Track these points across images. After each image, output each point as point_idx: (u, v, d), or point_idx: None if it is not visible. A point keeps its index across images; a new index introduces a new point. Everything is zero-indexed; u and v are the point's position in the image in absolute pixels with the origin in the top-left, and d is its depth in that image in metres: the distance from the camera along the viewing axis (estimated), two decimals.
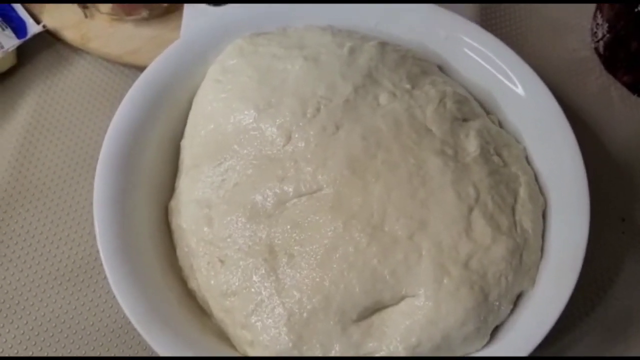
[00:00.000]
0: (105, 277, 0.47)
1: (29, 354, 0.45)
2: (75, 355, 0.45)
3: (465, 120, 0.45)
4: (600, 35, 0.60)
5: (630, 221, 0.52)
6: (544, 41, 0.61)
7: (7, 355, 0.45)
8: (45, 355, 0.45)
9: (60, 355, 0.45)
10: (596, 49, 0.60)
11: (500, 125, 0.48)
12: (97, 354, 0.45)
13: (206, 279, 0.41)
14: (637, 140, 0.56)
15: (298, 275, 0.39)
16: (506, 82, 0.47)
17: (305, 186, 0.41)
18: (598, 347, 0.47)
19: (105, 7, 0.55)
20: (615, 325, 0.48)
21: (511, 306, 0.40)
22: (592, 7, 0.61)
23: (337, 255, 0.39)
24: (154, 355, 0.45)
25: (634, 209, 0.53)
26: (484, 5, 0.61)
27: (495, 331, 0.40)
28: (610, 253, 0.51)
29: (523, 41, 0.61)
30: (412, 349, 0.37)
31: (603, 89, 0.59)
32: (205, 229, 0.42)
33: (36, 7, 0.57)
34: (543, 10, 0.62)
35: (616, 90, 0.59)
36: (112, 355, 0.45)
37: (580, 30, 0.62)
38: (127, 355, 0.45)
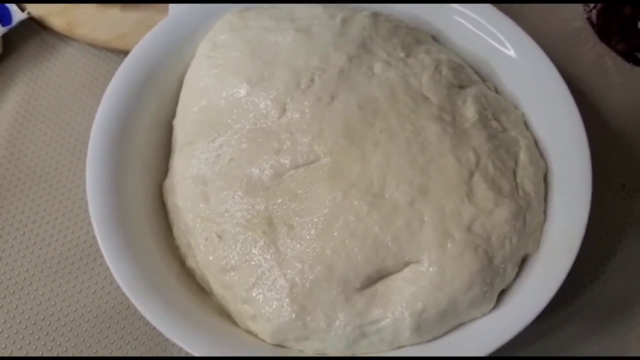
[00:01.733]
0: (101, 263, 0.47)
1: (26, 342, 0.44)
2: (74, 343, 0.44)
3: (461, 87, 0.44)
4: (592, 4, 0.59)
5: (631, 188, 0.52)
6: (537, 13, 0.61)
7: (4, 345, 0.44)
8: (43, 344, 0.44)
9: (59, 343, 0.44)
10: (589, 19, 0.60)
11: (497, 92, 0.47)
12: (95, 341, 0.44)
13: (204, 255, 0.40)
14: (634, 108, 0.56)
15: (299, 246, 0.38)
16: (499, 47, 0.47)
17: (302, 157, 0.40)
18: (600, 319, 0.46)
19: None
20: (619, 294, 0.48)
21: (516, 269, 0.40)
22: None
23: (338, 224, 0.38)
24: (153, 340, 0.44)
25: (634, 176, 0.52)
26: None
27: (501, 295, 0.39)
28: (612, 220, 0.50)
29: (515, 13, 0.60)
30: (419, 315, 0.37)
31: (598, 59, 0.59)
32: (202, 205, 0.41)
33: None
34: None
35: (611, 60, 0.59)
36: (112, 341, 0.44)
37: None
38: (127, 340, 0.44)
